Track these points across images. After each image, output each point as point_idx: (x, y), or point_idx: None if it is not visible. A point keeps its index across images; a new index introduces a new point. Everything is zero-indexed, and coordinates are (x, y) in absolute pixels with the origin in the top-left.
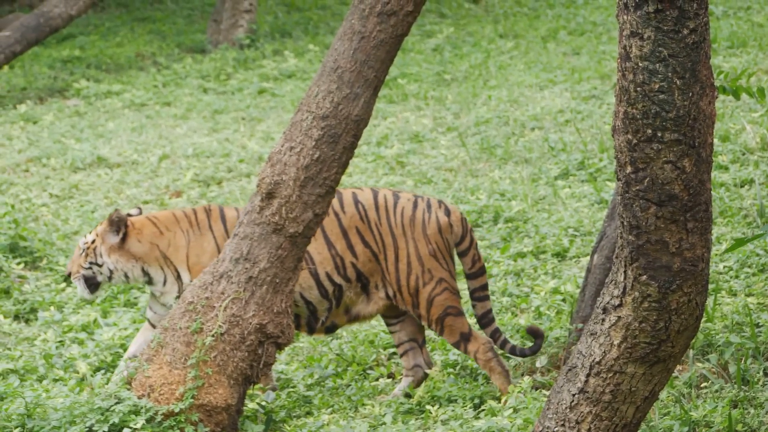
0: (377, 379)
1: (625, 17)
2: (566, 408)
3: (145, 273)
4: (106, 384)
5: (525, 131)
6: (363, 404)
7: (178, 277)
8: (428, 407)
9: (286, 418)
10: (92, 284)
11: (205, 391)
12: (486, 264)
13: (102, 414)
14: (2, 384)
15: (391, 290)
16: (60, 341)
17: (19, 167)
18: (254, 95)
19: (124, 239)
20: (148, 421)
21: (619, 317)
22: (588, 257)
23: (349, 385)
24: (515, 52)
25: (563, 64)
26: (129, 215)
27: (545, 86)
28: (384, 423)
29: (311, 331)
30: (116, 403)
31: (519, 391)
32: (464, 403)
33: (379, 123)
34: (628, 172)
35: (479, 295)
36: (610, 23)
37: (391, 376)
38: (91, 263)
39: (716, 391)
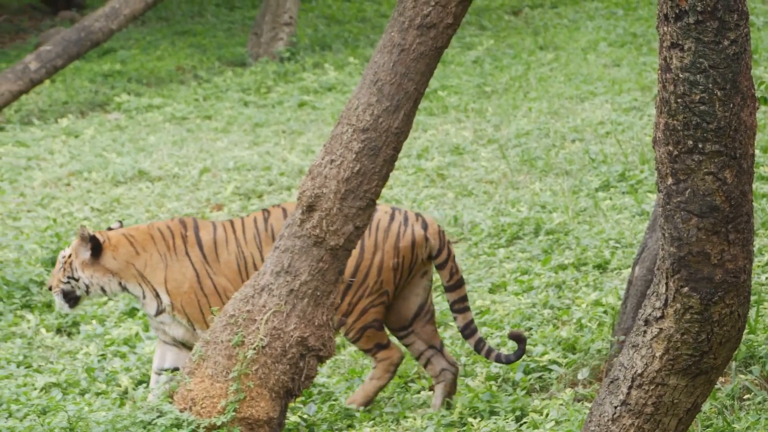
0: (419, 392)
1: (665, 28)
2: (608, 420)
3: (123, 287)
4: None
5: (565, 143)
6: (404, 417)
7: (157, 295)
8: (470, 420)
9: (328, 431)
10: (71, 298)
11: (247, 404)
12: (527, 276)
13: (144, 427)
14: (45, 397)
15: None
16: (102, 355)
17: (61, 181)
18: (294, 108)
19: (97, 254)
20: None
21: (661, 329)
22: (629, 269)
23: (391, 398)
24: (555, 64)
25: (603, 75)
26: (110, 229)
27: (586, 98)
28: None
29: None
30: (158, 417)
31: (561, 404)
32: (506, 416)
33: (419, 135)
34: (669, 183)
35: (459, 306)
36: (651, 34)
37: (432, 389)
38: (68, 277)
39: (759, 402)
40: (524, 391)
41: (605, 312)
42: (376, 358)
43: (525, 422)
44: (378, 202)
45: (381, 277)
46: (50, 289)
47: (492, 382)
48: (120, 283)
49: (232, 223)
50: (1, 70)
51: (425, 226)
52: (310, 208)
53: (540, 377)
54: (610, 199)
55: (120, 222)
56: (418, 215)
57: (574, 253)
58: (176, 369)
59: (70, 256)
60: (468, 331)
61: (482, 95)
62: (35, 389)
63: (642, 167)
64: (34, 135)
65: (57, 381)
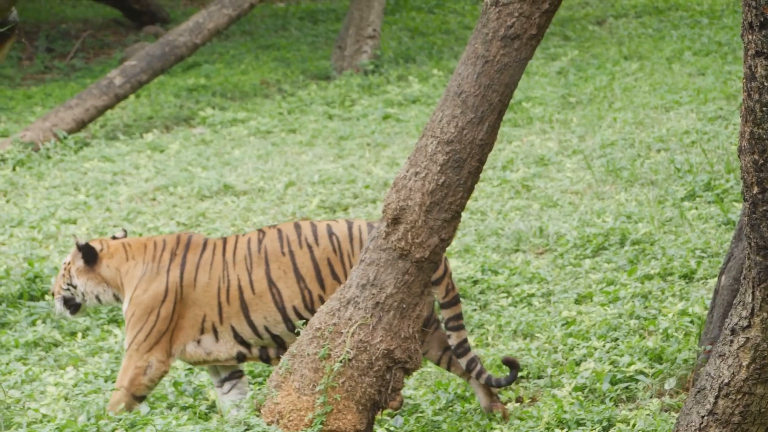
0: (506, 404)
1: (750, 37)
2: (695, 430)
3: (117, 299)
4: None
5: (651, 153)
6: (491, 428)
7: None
8: (557, 431)
9: None
10: (72, 305)
11: (334, 417)
12: (613, 287)
13: None
14: (133, 412)
15: None
16: (189, 369)
17: (147, 196)
18: (379, 121)
19: (93, 262)
20: None
21: (748, 338)
22: (715, 278)
23: (477, 410)
24: (640, 74)
25: (688, 84)
26: (114, 237)
27: (671, 107)
28: None
29: None
30: (246, 430)
31: (648, 414)
32: (593, 426)
33: (504, 147)
34: (754, 192)
35: (453, 324)
36: (736, 43)
37: (519, 400)
38: (68, 284)
39: None
40: (611, 402)
41: (692, 322)
42: None
43: None
44: (375, 222)
45: None
46: (53, 295)
47: (578, 393)
48: (114, 295)
49: (225, 241)
50: (87, 86)
51: None
52: (395, 221)
53: (627, 387)
54: (696, 208)
55: (124, 231)
56: None
57: (660, 263)
58: (234, 373)
59: (69, 263)
60: (461, 349)
61: (567, 106)
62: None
63: (728, 176)
64: (120, 150)
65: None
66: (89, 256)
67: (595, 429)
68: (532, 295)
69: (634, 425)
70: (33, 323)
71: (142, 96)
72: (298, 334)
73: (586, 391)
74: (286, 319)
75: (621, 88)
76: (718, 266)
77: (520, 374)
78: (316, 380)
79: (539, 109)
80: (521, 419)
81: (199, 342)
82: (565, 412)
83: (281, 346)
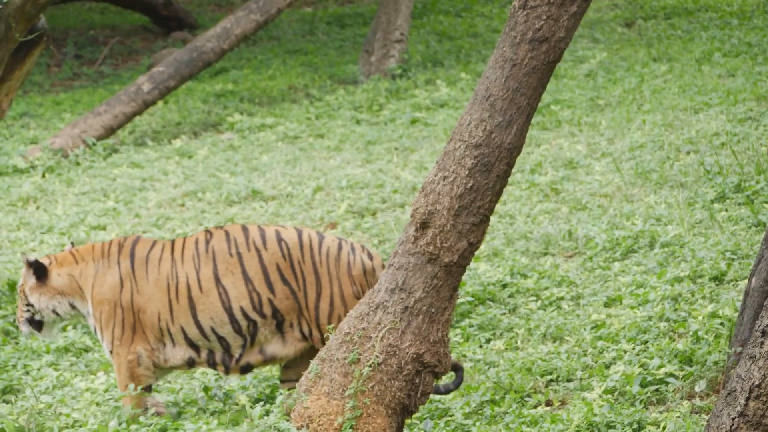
0: (535, 407)
1: None
2: None
3: (73, 307)
4: (265, 416)
5: (680, 155)
6: None
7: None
8: None
9: None
10: (35, 323)
11: (364, 421)
12: (643, 289)
13: None
14: (163, 417)
15: (308, 329)
16: (219, 374)
17: (175, 202)
18: (407, 125)
19: (44, 277)
20: None
21: None
22: (746, 280)
23: (507, 413)
24: (669, 76)
25: (718, 86)
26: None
27: (700, 109)
28: None
29: (227, 369)
30: None
31: (678, 416)
32: (623, 429)
33: (532, 150)
34: None
35: None
36: (766, 44)
37: (549, 403)
38: (26, 305)
39: None
40: (641, 404)
41: (722, 324)
42: None
43: None
44: (322, 232)
45: (348, 306)
46: (18, 321)
47: (608, 396)
48: (70, 303)
49: (173, 242)
50: (115, 92)
51: (371, 257)
52: (423, 225)
53: (657, 390)
54: (726, 210)
55: (72, 243)
56: (363, 247)
57: (689, 265)
58: None
59: (23, 284)
60: None
61: (595, 108)
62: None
63: (758, 178)
64: (148, 156)
65: (175, 400)
66: (39, 271)
67: (625, 431)
68: (562, 298)
69: (664, 428)
70: (64, 329)
71: (170, 102)
72: (242, 336)
73: (616, 393)
74: (233, 320)
75: (650, 90)
76: (749, 268)
77: (550, 377)
78: (345, 384)
79: (568, 112)
80: (552, 422)
81: (159, 348)
82: (595, 415)
83: (227, 350)
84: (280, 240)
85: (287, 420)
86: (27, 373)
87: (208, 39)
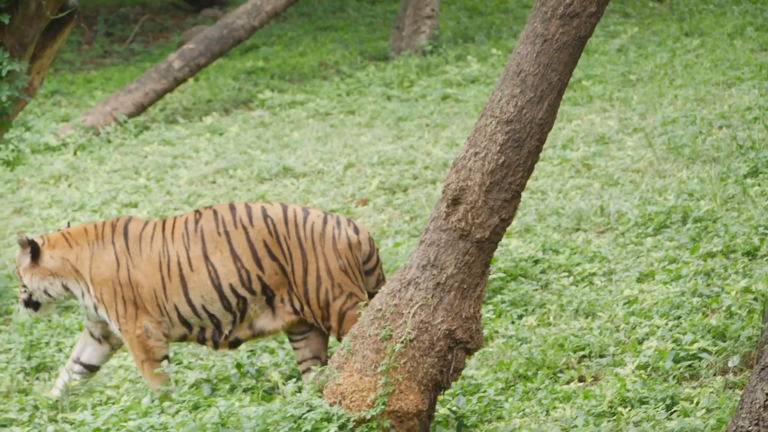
0: (568, 383)
1: None
2: (760, 407)
3: (66, 288)
4: (297, 392)
5: (712, 130)
6: (554, 408)
7: (89, 290)
8: (620, 409)
9: (477, 422)
10: (33, 304)
11: (396, 398)
12: (675, 265)
13: (294, 422)
14: (196, 394)
15: (299, 303)
16: (251, 350)
17: (207, 179)
18: (438, 101)
19: (36, 258)
20: (340, 428)
21: None
22: None
23: (540, 389)
24: (701, 50)
25: (750, 60)
26: (61, 231)
27: (732, 83)
28: (575, 426)
29: (216, 345)
30: (308, 411)
31: (711, 392)
32: (656, 404)
33: (564, 126)
34: None
35: None
36: None
37: (581, 379)
38: (23, 287)
39: None
40: (674, 380)
41: (755, 299)
42: None
43: (675, 411)
44: (308, 207)
45: (336, 280)
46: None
47: (641, 371)
48: (63, 284)
49: (164, 222)
50: (146, 70)
51: (357, 231)
52: (455, 201)
53: (690, 365)
54: (759, 185)
55: (68, 223)
56: (349, 220)
57: (722, 240)
58: (91, 365)
59: (17, 267)
60: None
61: (627, 84)
62: (186, 385)
63: None
64: (179, 133)
65: (207, 377)
66: (35, 252)
67: (658, 407)
68: (594, 274)
69: (697, 403)
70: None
71: (200, 79)
72: (232, 312)
73: (648, 369)
74: (222, 297)
75: (682, 64)
76: None
77: (582, 353)
78: (377, 361)
79: (599, 87)
80: (584, 398)
81: (163, 321)
82: (628, 390)
83: (217, 327)
84: (266, 217)
85: (319, 397)
86: (60, 350)
87: (238, 16)
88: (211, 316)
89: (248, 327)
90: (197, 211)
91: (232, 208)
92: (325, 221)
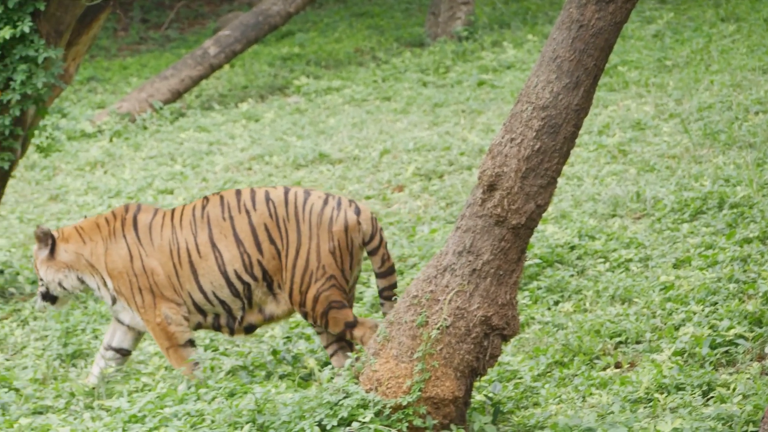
0: (604, 369)
1: None
2: None
3: (81, 281)
4: (332, 379)
5: (749, 115)
6: (591, 394)
7: (105, 283)
8: (656, 395)
9: (514, 409)
10: (50, 297)
11: (432, 384)
12: (711, 250)
13: (331, 408)
14: (232, 380)
15: (288, 288)
16: (287, 337)
17: (243, 165)
18: (473, 87)
19: (53, 251)
20: (377, 414)
21: None
22: None
23: (576, 375)
24: (737, 36)
25: None
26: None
27: None
28: (612, 412)
29: (231, 331)
30: (345, 398)
31: (748, 378)
32: (692, 391)
33: (600, 111)
34: None
35: (388, 294)
36: None
37: (618, 365)
38: (40, 280)
39: None
40: (711, 366)
41: None
42: (354, 338)
43: (712, 397)
44: (311, 189)
45: (321, 262)
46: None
47: (678, 358)
48: (78, 277)
49: (173, 210)
50: (181, 56)
51: (358, 212)
52: (491, 188)
53: (726, 351)
54: None
55: (85, 216)
56: (351, 201)
57: (759, 226)
58: (122, 349)
59: (34, 261)
60: None
61: (663, 69)
62: (222, 372)
63: None
64: (215, 120)
65: (244, 364)
66: (52, 244)
67: (694, 393)
68: (630, 260)
69: (734, 389)
70: None
71: (236, 66)
72: (240, 298)
73: (685, 355)
74: (229, 283)
75: (718, 50)
76: None
77: (618, 339)
78: (413, 347)
79: (635, 73)
80: (621, 384)
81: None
82: (665, 376)
83: (229, 313)
84: (268, 200)
85: (356, 383)
86: (96, 337)
87: (274, 2)
88: (222, 303)
89: (259, 312)
90: (205, 198)
91: (238, 193)
92: (325, 202)
